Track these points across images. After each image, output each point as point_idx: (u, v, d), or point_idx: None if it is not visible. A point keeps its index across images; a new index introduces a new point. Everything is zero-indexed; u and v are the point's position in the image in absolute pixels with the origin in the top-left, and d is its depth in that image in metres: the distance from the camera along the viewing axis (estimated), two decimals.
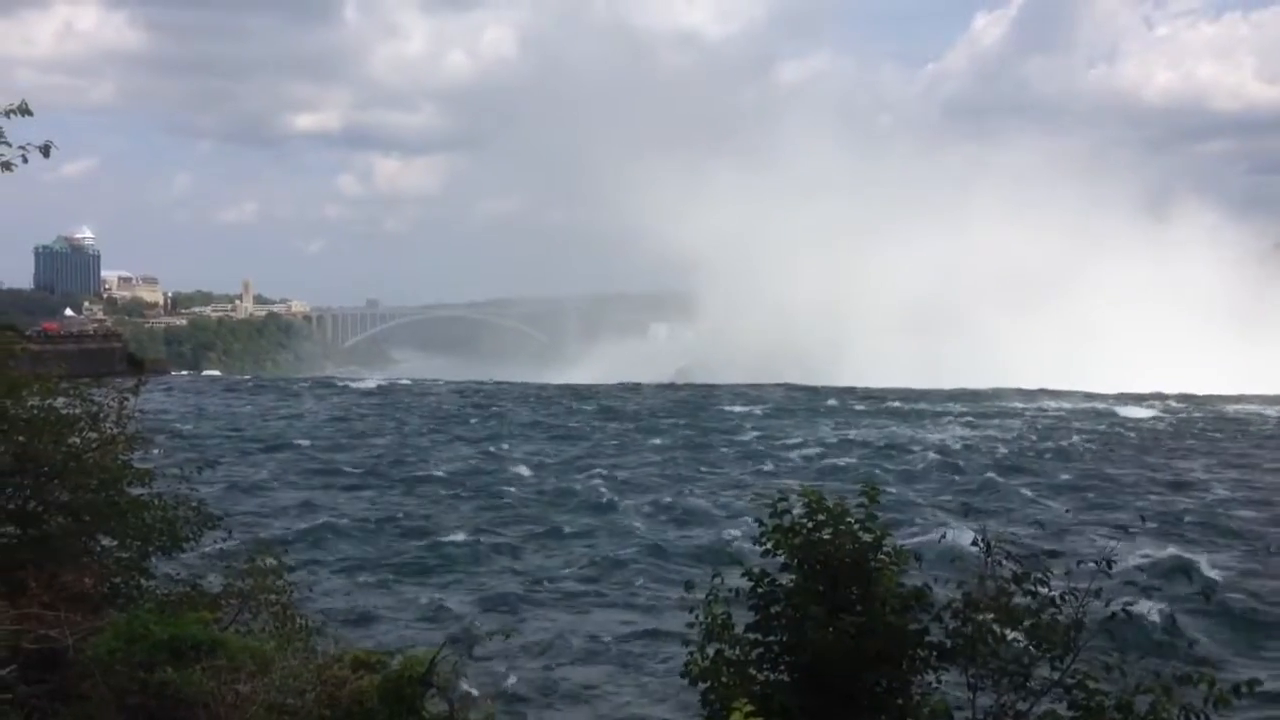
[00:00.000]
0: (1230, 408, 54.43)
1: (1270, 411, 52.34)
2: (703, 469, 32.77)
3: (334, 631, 12.07)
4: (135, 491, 9.60)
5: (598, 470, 31.64)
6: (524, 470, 31.98)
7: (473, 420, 48.98)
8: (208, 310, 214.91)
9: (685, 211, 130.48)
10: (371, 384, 75.56)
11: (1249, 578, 18.43)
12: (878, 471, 30.62)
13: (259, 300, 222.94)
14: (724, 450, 37.26)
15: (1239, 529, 23.06)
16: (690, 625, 7.76)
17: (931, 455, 34.59)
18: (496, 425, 46.43)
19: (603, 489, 28.46)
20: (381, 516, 24.61)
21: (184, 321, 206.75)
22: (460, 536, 22.45)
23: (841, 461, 34.25)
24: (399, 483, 29.62)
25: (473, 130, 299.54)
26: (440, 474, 31.00)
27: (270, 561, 10.26)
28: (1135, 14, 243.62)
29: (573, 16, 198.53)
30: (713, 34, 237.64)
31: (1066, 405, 54.22)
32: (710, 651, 7.68)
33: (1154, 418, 48.83)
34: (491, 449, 37.10)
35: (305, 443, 39.07)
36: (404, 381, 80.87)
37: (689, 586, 8.44)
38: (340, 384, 77.68)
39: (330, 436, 41.58)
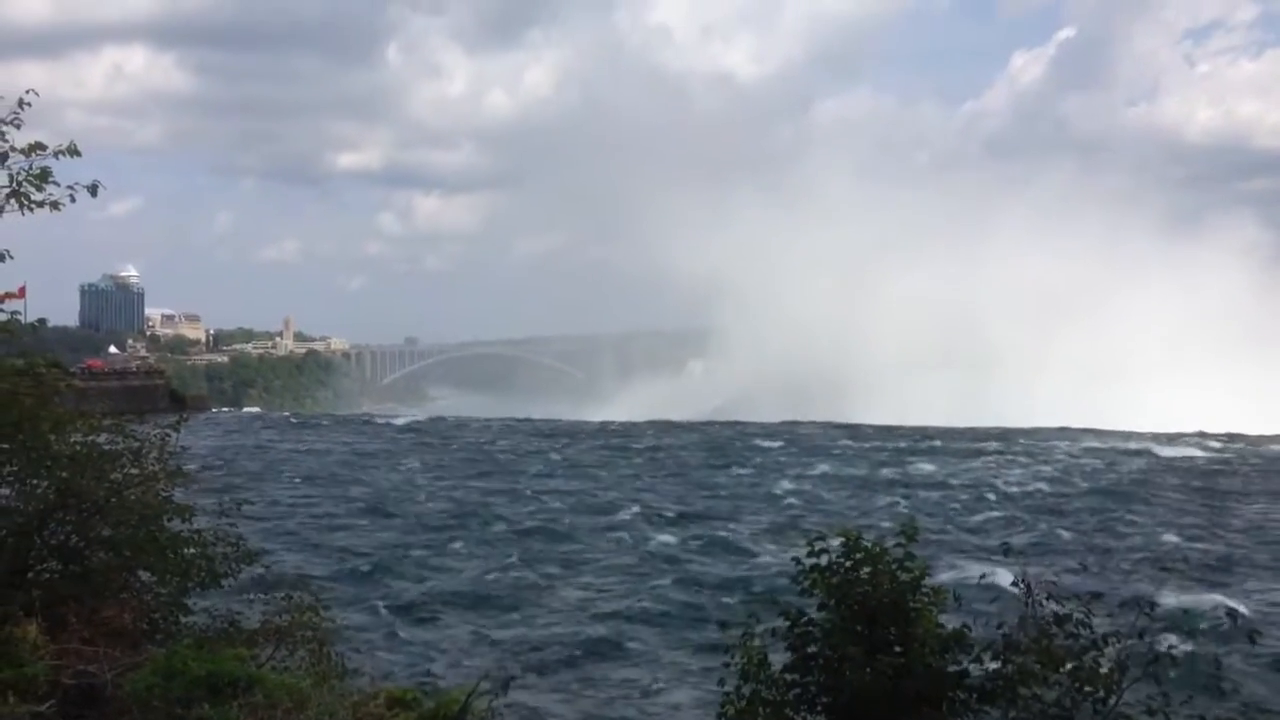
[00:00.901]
0: (1274, 447, 53.57)
1: None
2: (739, 507, 32.60)
3: (370, 669, 12.12)
4: (175, 527, 9.68)
5: (634, 508, 31.55)
6: (559, 505, 31.98)
7: (508, 456, 49.08)
8: (249, 347, 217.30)
9: (718, 249, 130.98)
10: (403, 421, 75.87)
11: None
12: (916, 510, 30.34)
13: (299, 338, 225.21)
14: (760, 489, 37.08)
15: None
16: (726, 665, 7.72)
17: (971, 495, 34.25)
18: (534, 461, 46.50)
19: (640, 525, 28.42)
20: (416, 553, 24.67)
21: (225, 359, 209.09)
22: (495, 575, 22.48)
23: (880, 501, 33.99)
24: (431, 520, 29.65)
25: (511, 169, 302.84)
26: (479, 512, 30.98)
27: (307, 598, 10.30)
28: (1176, 52, 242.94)
29: (612, 57, 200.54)
30: (750, 74, 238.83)
31: (1106, 444, 53.53)
32: (746, 692, 7.64)
33: (1196, 457, 48.12)
34: (529, 487, 37.09)
35: (343, 479, 39.28)
36: (443, 418, 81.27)
37: (724, 626, 8.40)
38: (381, 420, 78.12)
39: (369, 473, 41.75)
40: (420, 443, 57.47)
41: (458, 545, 25.91)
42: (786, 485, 37.80)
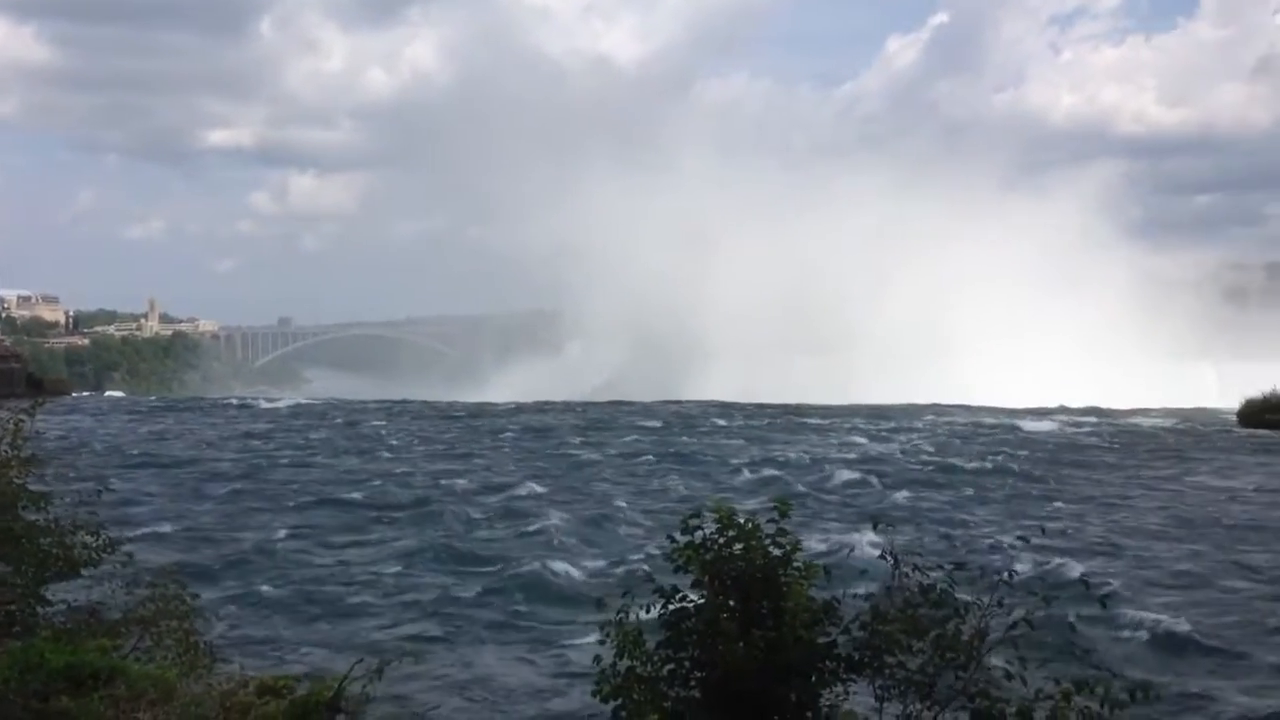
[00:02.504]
0: (1132, 420, 56.01)
1: (1169, 423, 54.01)
2: (617, 486, 32.78)
3: (239, 658, 11.89)
4: (31, 516, 9.34)
5: (509, 490, 31.46)
6: (433, 490, 31.61)
7: (379, 438, 48.41)
8: (111, 329, 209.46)
9: (597, 229, 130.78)
10: (277, 403, 74.22)
11: (1146, 586, 19.01)
12: (788, 486, 30.96)
13: (165, 319, 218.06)
14: (638, 467, 37.33)
15: (1137, 539, 23.72)
16: (602, 643, 7.78)
17: (841, 469, 35.04)
18: (413, 443, 45.98)
19: (516, 508, 28.32)
20: (292, 539, 24.20)
21: (86, 341, 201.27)
22: (373, 559, 22.21)
23: (754, 476, 34.54)
24: (305, 505, 29.10)
25: (390, 148, 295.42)
26: (352, 496, 30.51)
27: (173, 587, 10.07)
28: (1041, 39, 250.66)
29: (492, 36, 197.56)
30: (631, 54, 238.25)
31: (973, 420, 55.32)
32: (621, 669, 7.72)
33: (1058, 431, 50.04)
34: (408, 469, 36.66)
35: (210, 464, 38.26)
36: (311, 401, 79.75)
37: (600, 604, 8.47)
38: (251, 403, 76.23)
39: (234, 457, 40.74)
40: (294, 424, 56.33)
41: (335, 529, 25.50)
42: (664, 464, 38.12)
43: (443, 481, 33.22)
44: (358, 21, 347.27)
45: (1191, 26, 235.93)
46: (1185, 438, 47.29)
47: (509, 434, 50.16)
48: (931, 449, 42.17)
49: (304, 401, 79.16)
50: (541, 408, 67.03)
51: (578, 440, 46.50)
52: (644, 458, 39.75)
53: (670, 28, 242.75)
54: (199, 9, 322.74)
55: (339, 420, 59.14)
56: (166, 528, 25.23)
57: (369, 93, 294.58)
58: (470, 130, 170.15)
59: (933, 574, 7.69)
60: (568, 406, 68.13)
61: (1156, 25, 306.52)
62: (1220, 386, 68.71)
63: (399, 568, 21.34)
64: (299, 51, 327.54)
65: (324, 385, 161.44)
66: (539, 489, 31.42)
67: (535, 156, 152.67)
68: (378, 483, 32.96)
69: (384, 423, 56.98)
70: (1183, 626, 16.24)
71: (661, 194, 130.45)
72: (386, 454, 42.16)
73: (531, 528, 25.54)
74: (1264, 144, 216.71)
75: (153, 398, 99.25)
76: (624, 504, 28.68)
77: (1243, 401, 53.70)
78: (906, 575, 7.73)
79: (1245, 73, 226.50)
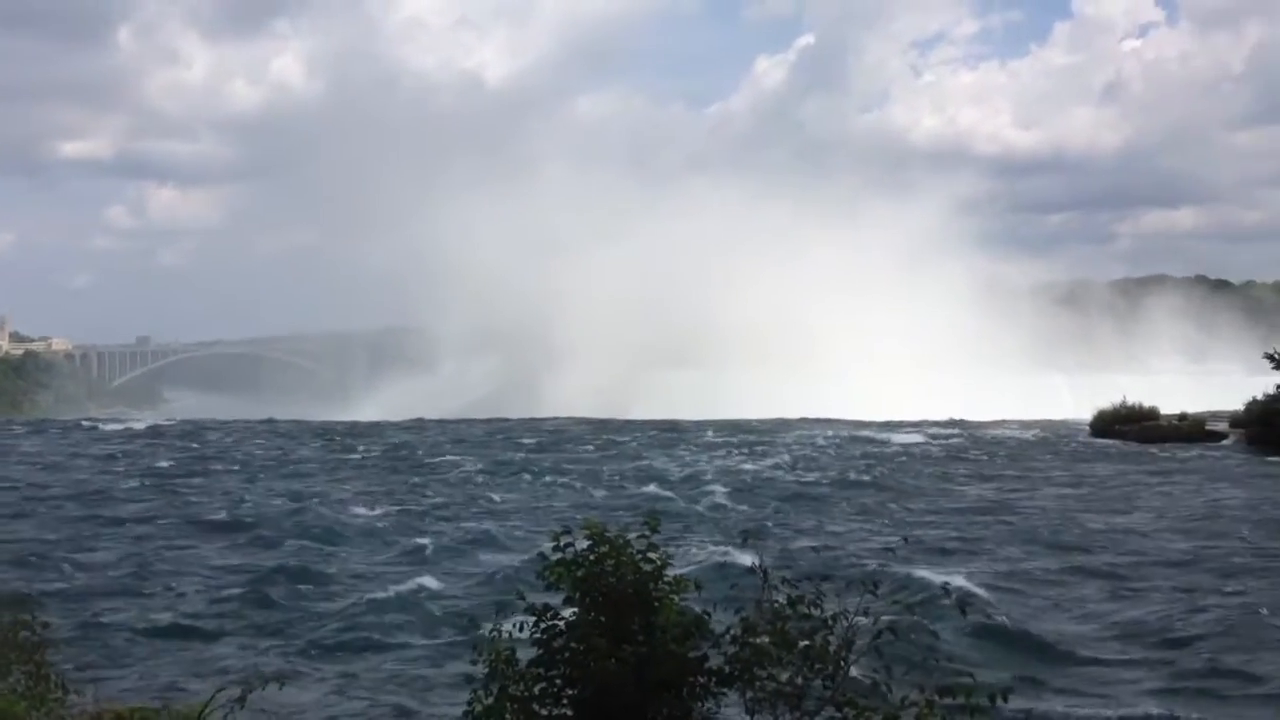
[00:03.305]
0: (993, 432, 57.93)
1: (1026, 435, 56.06)
2: (489, 503, 32.54)
3: (95, 687, 11.42)
4: None
5: (376, 508, 30.94)
6: (293, 509, 30.82)
7: (233, 457, 47.12)
8: None
9: (468, 245, 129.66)
10: (139, 425, 71.67)
11: (1006, 592, 19.66)
12: (660, 502, 31.13)
13: (16, 338, 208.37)
14: (511, 484, 37.12)
15: (997, 547, 24.51)
16: (474, 663, 7.72)
17: (712, 484, 35.42)
18: (279, 463, 44.85)
19: (382, 527, 27.87)
20: (154, 563, 23.34)
21: None
22: (243, 579, 21.54)
23: (626, 492, 34.66)
24: (169, 527, 28.13)
25: (256, 161, 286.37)
26: (210, 517, 29.60)
27: (23, 615, 9.65)
28: (903, 61, 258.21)
29: (361, 50, 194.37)
30: (503, 69, 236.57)
31: (841, 434, 56.51)
32: (494, 689, 7.67)
33: (925, 443, 51.45)
34: (275, 489, 35.74)
35: (54, 486, 36.70)
36: (168, 422, 77.31)
37: (472, 624, 8.40)
38: (104, 425, 73.43)
39: (82, 478, 39.17)
40: (145, 446, 54.42)
41: (201, 551, 24.69)
42: (541, 480, 37.99)
43: (303, 501, 32.46)
44: (222, 32, 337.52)
45: (1043, 53, 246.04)
46: (1043, 448, 49.12)
47: (375, 452, 49.34)
48: (802, 463, 42.94)
49: (162, 422, 76.66)
50: (413, 425, 66.18)
51: (449, 457, 46.00)
52: (516, 475, 39.54)
53: (544, 44, 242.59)
54: (51, 15, 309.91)
55: (193, 441, 57.37)
56: (17, 551, 24.11)
57: (233, 105, 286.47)
58: (335, 145, 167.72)
59: (801, 586, 7.82)
60: (440, 424, 67.40)
61: (1011, 51, 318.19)
62: (1074, 398, 71.53)
63: (257, 590, 20.65)
64: (159, 61, 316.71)
65: (185, 405, 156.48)
66: (410, 507, 30.97)
67: (400, 172, 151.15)
68: (236, 502, 32.07)
69: (234, 440, 55.54)
70: (1041, 629, 16.86)
71: (524, 209, 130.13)
72: (240, 471, 41.10)
73: (400, 547, 25.15)
74: (1112, 165, 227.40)
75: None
76: (495, 522, 28.45)
77: (1094, 412, 56.02)
78: (776, 588, 7.84)
79: (1094, 97, 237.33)
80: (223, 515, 29.88)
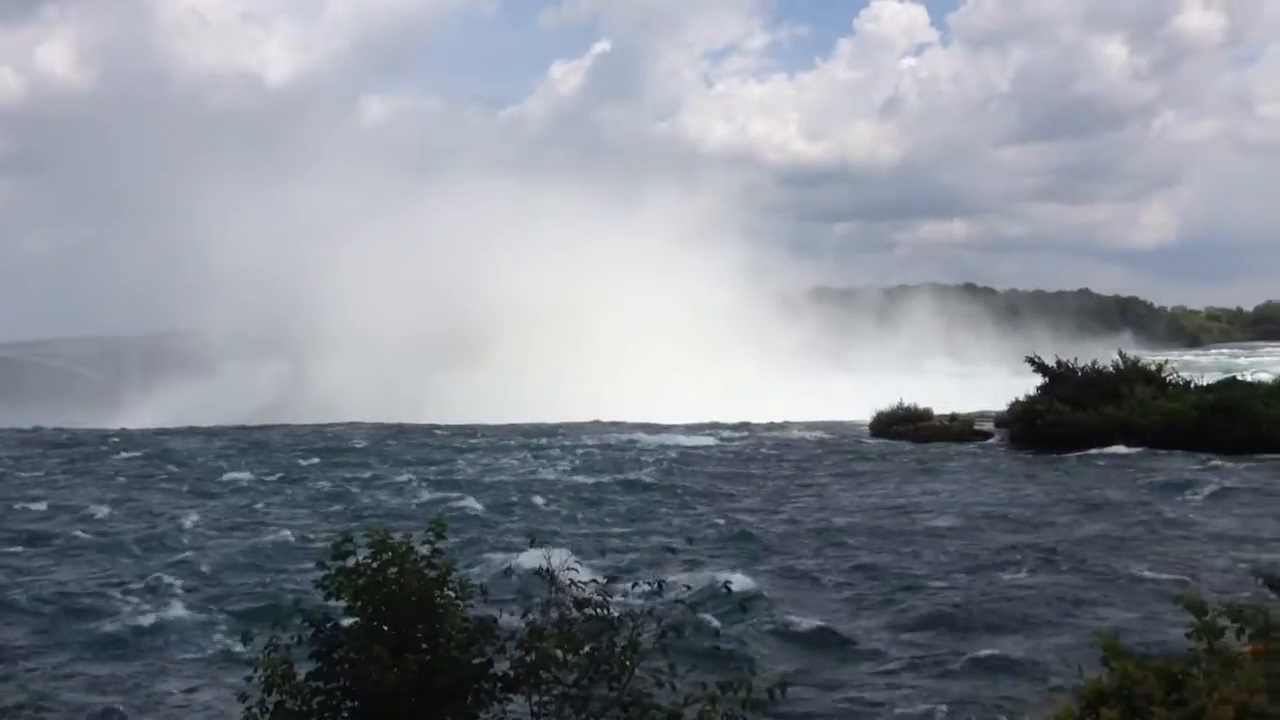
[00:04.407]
0: (780, 434, 59.67)
1: (813, 435, 57.96)
2: (271, 512, 31.39)
3: None
4: None
5: (149, 517, 29.45)
6: (50, 524, 28.99)
7: (9, 470, 44.00)
8: None
9: (230, 241, 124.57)
10: None
11: (786, 590, 20.33)
12: (449, 507, 30.71)
13: None
14: (295, 493, 35.92)
15: (779, 544, 25.28)
16: (249, 679, 7.46)
17: (504, 490, 35.22)
18: (40, 475, 42.04)
19: (151, 536, 26.54)
20: None
21: None
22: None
23: (421, 498, 34.06)
24: None
25: (19, 155, 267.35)
26: None
27: None
28: (696, 71, 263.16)
29: (134, 40, 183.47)
30: (289, 66, 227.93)
31: (631, 437, 57.12)
32: (270, 704, 7.43)
33: (715, 445, 52.57)
34: (48, 501, 33.37)
35: None
36: None
37: (247, 638, 8.11)
38: None
39: None
40: None
41: None
42: (325, 487, 36.90)
43: (67, 515, 30.57)
44: None
45: (828, 68, 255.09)
46: (825, 449, 50.93)
47: (139, 461, 46.83)
48: (592, 466, 43.19)
49: None
50: (188, 432, 63.19)
51: (229, 465, 44.15)
52: (302, 483, 38.30)
53: (332, 42, 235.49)
54: None
55: None
56: None
57: None
58: (105, 140, 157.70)
59: (588, 588, 7.86)
60: (220, 431, 64.59)
61: (798, 65, 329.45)
62: (855, 399, 74.39)
63: None
64: None
65: None
66: (185, 518, 29.57)
67: (170, 170, 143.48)
68: None
69: None
70: (817, 624, 17.50)
71: (293, 202, 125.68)
72: None
73: (175, 557, 24.00)
74: (892, 178, 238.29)
75: None
76: (276, 531, 27.47)
77: (873, 414, 58.45)
78: (563, 592, 7.86)
79: (875, 112, 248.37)
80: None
